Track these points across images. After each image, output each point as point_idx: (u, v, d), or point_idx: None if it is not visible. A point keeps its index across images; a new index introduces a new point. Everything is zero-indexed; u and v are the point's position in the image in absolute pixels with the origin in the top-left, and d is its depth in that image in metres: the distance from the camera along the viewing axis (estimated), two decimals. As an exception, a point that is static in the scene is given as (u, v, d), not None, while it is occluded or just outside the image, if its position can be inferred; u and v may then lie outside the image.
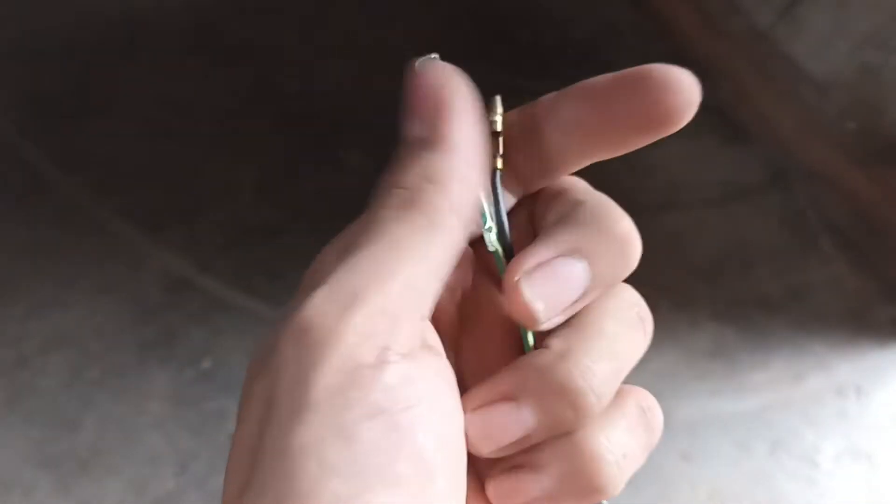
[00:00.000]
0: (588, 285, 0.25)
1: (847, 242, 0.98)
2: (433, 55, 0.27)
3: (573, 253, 0.25)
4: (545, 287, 0.24)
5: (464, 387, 0.27)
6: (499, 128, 0.27)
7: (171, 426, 0.73)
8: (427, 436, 0.22)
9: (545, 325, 0.24)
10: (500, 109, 0.27)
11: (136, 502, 0.70)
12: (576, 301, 0.25)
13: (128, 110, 1.04)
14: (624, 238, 0.25)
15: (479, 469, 0.27)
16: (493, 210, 0.26)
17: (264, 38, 1.15)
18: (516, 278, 0.24)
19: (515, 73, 1.13)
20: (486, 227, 0.25)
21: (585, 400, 0.24)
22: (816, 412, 0.83)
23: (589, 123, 0.26)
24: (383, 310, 0.22)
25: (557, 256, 0.24)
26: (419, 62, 0.26)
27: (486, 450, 0.25)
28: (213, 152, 1.00)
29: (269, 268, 0.87)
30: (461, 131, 0.25)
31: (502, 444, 0.24)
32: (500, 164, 0.27)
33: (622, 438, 0.25)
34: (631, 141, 0.25)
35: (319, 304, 0.22)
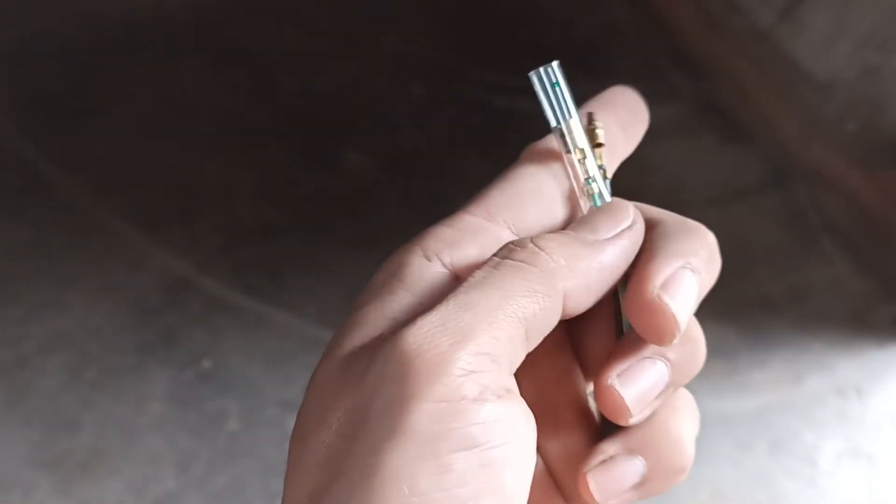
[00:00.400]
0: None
1: (848, 242, 0.98)
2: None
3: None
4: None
5: None
6: (601, 139, 0.30)
7: (171, 427, 0.73)
8: (512, 473, 0.23)
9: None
10: (598, 122, 0.30)
11: (136, 503, 0.70)
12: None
13: (128, 110, 1.04)
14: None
15: (559, 478, 0.29)
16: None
17: (264, 39, 1.16)
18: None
19: (515, 74, 1.13)
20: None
21: (701, 345, 0.29)
22: (817, 412, 0.83)
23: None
24: (489, 352, 0.23)
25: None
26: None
27: (638, 414, 0.27)
28: (213, 153, 1.00)
29: (269, 268, 0.87)
30: (613, 251, 0.27)
31: (650, 401, 0.27)
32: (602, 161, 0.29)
33: (691, 423, 0.29)
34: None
35: (430, 333, 0.23)
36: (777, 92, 1.11)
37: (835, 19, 1.05)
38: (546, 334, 0.25)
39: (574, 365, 0.30)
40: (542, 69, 0.28)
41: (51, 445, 0.72)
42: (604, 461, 0.28)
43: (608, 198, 0.29)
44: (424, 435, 0.22)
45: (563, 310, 0.26)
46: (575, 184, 0.29)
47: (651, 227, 0.28)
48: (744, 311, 0.90)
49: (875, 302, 0.93)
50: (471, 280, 0.25)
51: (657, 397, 0.28)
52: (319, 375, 0.25)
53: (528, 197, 0.28)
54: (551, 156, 0.30)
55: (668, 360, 0.28)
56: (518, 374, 0.28)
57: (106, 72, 1.08)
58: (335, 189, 0.97)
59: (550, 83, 0.29)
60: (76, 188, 0.92)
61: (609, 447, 0.28)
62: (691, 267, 0.27)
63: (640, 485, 0.28)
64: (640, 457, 0.28)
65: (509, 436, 0.23)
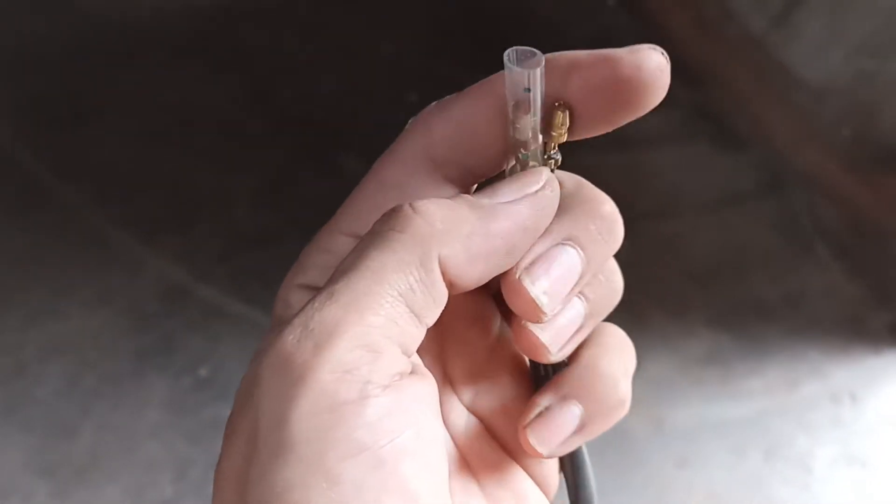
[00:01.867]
0: (583, 270, 0.26)
1: (842, 249, 0.99)
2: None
3: (566, 241, 0.25)
4: (546, 280, 0.25)
5: (450, 384, 0.29)
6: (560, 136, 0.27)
7: (169, 433, 0.73)
8: (411, 465, 0.22)
9: (549, 318, 0.26)
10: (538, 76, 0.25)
11: (133, 509, 0.70)
12: (574, 287, 0.26)
13: (126, 117, 1.04)
14: (609, 217, 0.27)
15: (475, 461, 0.28)
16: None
17: (262, 46, 1.16)
18: (517, 276, 0.25)
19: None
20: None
21: (619, 227, 0.27)
22: (811, 418, 0.83)
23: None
24: (364, 343, 0.22)
25: (552, 246, 0.25)
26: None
27: (553, 309, 0.25)
28: (211, 159, 1.00)
29: (266, 275, 0.87)
30: (510, 210, 0.24)
31: (565, 294, 0.26)
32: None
33: (619, 359, 0.28)
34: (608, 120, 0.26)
35: (296, 340, 0.21)
36: (771, 98, 1.11)
37: (828, 26, 1.06)
38: (443, 305, 0.24)
39: (503, 324, 0.29)
40: (528, 72, 0.25)
41: (49, 452, 0.72)
42: (540, 413, 0.27)
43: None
44: (308, 449, 0.21)
45: (449, 282, 0.23)
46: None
47: None
48: (738, 318, 0.91)
49: (869, 308, 0.93)
50: (340, 266, 0.23)
51: (577, 332, 0.26)
52: (235, 397, 0.24)
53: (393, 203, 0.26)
54: (419, 150, 0.27)
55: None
56: (444, 341, 0.28)
57: (104, 78, 1.08)
58: (333, 196, 0.96)
59: (527, 85, 0.26)
60: (74, 195, 0.93)
61: (543, 399, 0.27)
62: (572, 242, 0.25)
63: (582, 428, 0.27)
64: (575, 402, 0.27)
65: (400, 427, 0.22)
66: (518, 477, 0.29)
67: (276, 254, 0.90)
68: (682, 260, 0.96)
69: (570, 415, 0.27)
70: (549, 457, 0.28)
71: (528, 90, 0.25)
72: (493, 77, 0.26)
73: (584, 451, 0.30)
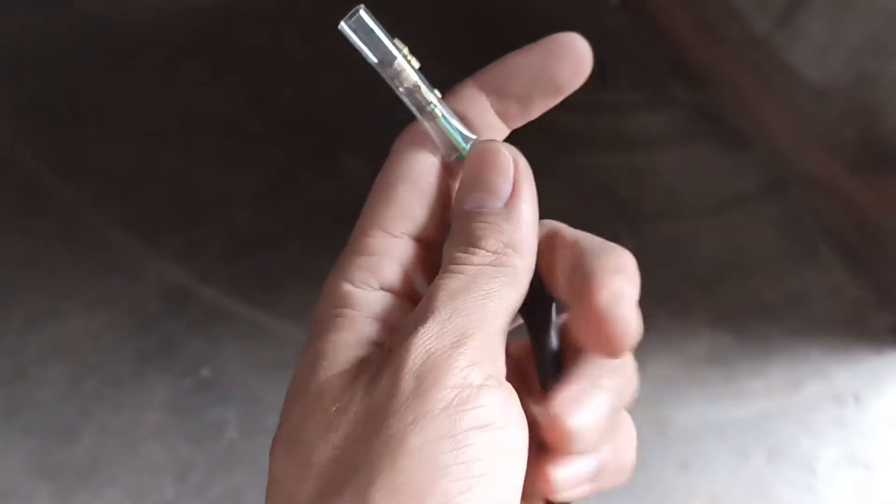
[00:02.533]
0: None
1: (845, 250, 0.99)
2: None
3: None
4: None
5: None
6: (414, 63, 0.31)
7: (170, 435, 0.73)
8: (516, 456, 0.26)
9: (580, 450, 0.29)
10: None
11: (134, 512, 0.70)
12: (603, 426, 0.29)
13: (126, 118, 1.04)
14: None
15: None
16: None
17: (263, 47, 1.16)
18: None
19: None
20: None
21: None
22: (814, 419, 0.83)
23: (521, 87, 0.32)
24: (485, 346, 0.27)
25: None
26: (480, 143, 0.30)
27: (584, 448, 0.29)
28: (211, 160, 1.00)
29: (267, 277, 0.87)
30: (530, 206, 0.29)
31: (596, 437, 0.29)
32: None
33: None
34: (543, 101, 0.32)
35: (432, 339, 0.26)
36: (774, 99, 1.11)
37: (831, 27, 1.06)
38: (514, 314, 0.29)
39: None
40: (352, 20, 0.30)
41: (50, 454, 0.72)
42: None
43: (460, 126, 0.31)
44: (442, 417, 0.25)
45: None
46: (437, 139, 0.31)
47: (570, 244, 0.30)
48: (741, 319, 0.91)
49: (872, 309, 0.93)
50: (446, 289, 0.27)
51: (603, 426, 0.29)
52: (315, 388, 0.27)
53: (416, 200, 0.30)
54: (411, 147, 0.31)
55: (611, 391, 0.29)
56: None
57: (104, 79, 1.08)
58: (333, 197, 0.97)
59: (366, 31, 0.31)
60: (74, 196, 0.93)
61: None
62: (629, 281, 0.28)
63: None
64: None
65: (512, 419, 0.26)
66: None
67: (276, 255, 0.90)
68: (685, 261, 0.96)
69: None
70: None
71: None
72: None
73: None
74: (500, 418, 0.26)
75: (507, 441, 0.26)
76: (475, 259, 0.28)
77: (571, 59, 0.32)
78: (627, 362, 0.30)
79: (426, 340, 0.26)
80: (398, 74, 0.31)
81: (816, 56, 1.07)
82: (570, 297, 0.30)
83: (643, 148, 1.08)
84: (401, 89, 0.31)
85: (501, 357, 0.27)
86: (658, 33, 1.24)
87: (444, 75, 1.16)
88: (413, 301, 0.30)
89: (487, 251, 0.28)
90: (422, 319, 0.26)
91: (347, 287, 0.30)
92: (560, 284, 0.30)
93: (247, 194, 0.97)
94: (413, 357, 0.26)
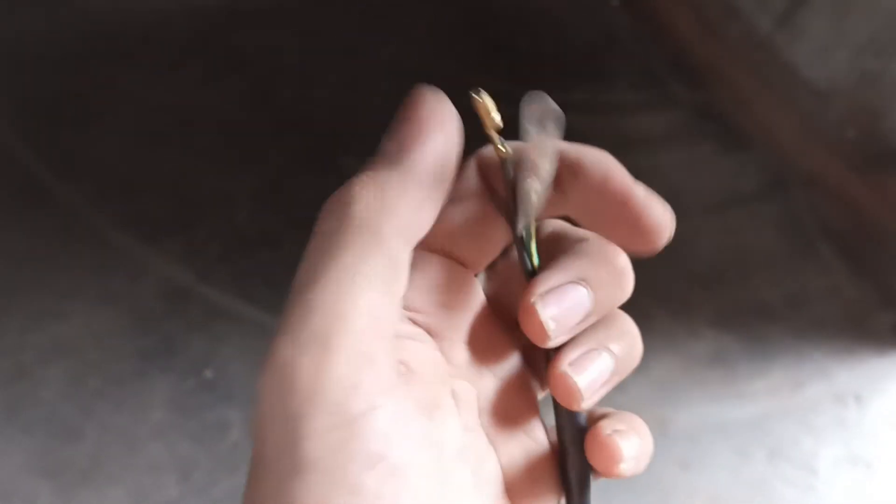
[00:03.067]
0: (591, 308, 0.27)
1: (846, 249, 0.99)
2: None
3: (579, 280, 0.27)
4: (556, 308, 0.26)
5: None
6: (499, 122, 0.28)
7: (173, 435, 0.74)
8: (417, 473, 0.22)
9: (553, 343, 0.26)
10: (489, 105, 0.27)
11: (136, 511, 0.70)
12: (580, 322, 0.27)
13: (127, 118, 1.04)
14: (622, 270, 0.28)
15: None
16: (524, 207, 0.27)
17: (263, 47, 1.16)
18: (532, 300, 0.26)
19: (515, 81, 1.13)
20: (520, 225, 0.27)
21: (629, 281, 0.27)
22: (815, 419, 0.83)
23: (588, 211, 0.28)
24: (359, 352, 0.22)
25: (566, 283, 0.27)
26: (420, 88, 0.26)
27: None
28: (212, 161, 1.00)
29: (268, 276, 0.87)
30: (426, 154, 0.25)
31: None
32: (506, 150, 0.27)
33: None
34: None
35: (292, 353, 0.22)
36: (776, 99, 1.11)
37: (833, 27, 1.06)
38: (405, 276, 0.24)
39: (527, 373, 0.30)
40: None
41: (52, 454, 0.72)
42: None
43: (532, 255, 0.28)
44: (328, 464, 0.21)
45: (434, 244, 0.26)
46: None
47: (567, 244, 0.28)
48: (743, 319, 0.91)
49: (873, 309, 0.93)
50: (304, 269, 0.23)
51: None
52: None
53: (461, 219, 0.27)
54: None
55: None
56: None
57: (106, 80, 1.08)
58: (335, 197, 0.97)
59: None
60: (76, 197, 0.93)
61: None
62: (585, 283, 0.26)
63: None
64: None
65: (408, 434, 0.22)
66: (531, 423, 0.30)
67: (277, 254, 0.90)
68: (687, 261, 0.96)
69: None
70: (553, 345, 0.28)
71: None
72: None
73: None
74: (397, 443, 0.22)
75: (405, 468, 0.22)
76: (338, 224, 0.24)
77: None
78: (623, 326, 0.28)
79: (282, 360, 0.21)
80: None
81: (817, 56, 1.07)
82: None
83: (644, 148, 1.08)
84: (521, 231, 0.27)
85: (387, 350, 0.23)
86: (659, 33, 1.24)
87: (445, 75, 1.17)
88: (425, 323, 0.27)
89: (352, 206, 0.24)
90: (281, 325, 0.22)
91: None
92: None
93: (247, 194, 0.97)
94: (274, 385, 0.22)
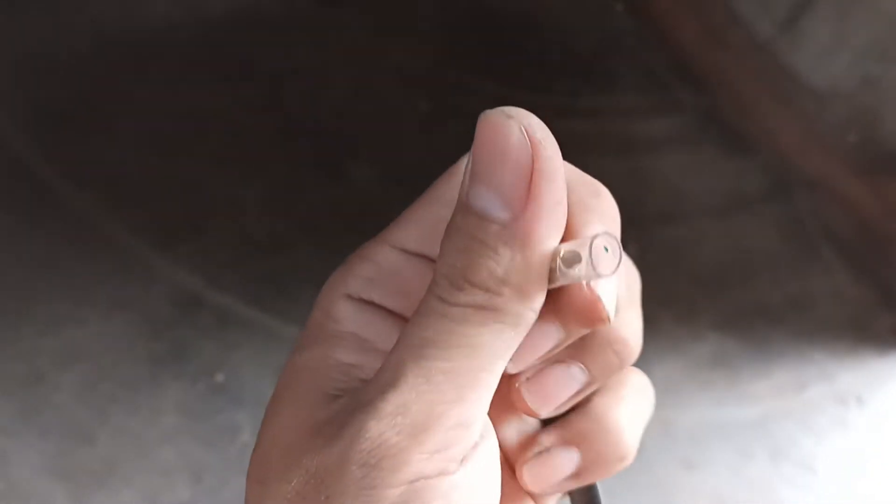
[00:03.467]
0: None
1: (848, 252, 0.99)
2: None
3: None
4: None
5: None
6: None
7: (185, 439, 0.74)
8: None
9: (545, 415, 0.28)
10: None
11: (149, 513, 0.71)
12: (572, 397, 0.28)
13: (138, 125, 1.05)
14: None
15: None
16: None
17: (272, 54, 1.17)
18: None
19: (520, 86, 1.14)
20: None
21: (628, 347, 0.27)
22: (817, 420, 0.84)
23: None
24: (460, 422, 0.22)
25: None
26: (494, 112, 0.22)
27: (544, 412, 0.27)
28: (222, 166, 1.01)
29: (277, 281, 0.88)
30: (548, 221, 0.22)
31: (559, 402, 0.27)
32: None
33: (633, 409, 0.29)
34: None
35: (392, 422, 0.21)
36: (777, 103, 1.12)
37: (834, 31, 1.06)
38: None
39: None
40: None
41: (66, 457, 0.73)
42: (539, 453, 0.28)
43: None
44: None
45: None
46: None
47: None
48: (744, 321, 0.91)
49: (876, 311, 0.94)
50: (415, 343, 0.22)
51: (573, 397, 0.27)
52: (284, 420, 0.25)
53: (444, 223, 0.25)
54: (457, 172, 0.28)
55: (582, 365, 0.27)
56: None
57: (117, 87, 1.09)
58: (342, 202, 0.98)
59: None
60: (89, 204, 0.94)
61: (545, 438, 0.29)
62: (609, 235, 0.23)
63: (578, 474, 0.28)
64: (575, 449, 0.28)
65: (472, 494, 0.23)
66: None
67: (287, 259, 0.91)
68: (689, 264, 0.96)
69: (567, 460, 0.28)
70: (543, 495, 0.29)
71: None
72: None
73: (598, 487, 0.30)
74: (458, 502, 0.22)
75: None
76: (460, 297, 0.22)
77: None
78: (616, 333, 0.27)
79: (382, 421, 0.22)
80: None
81: (819, 60, 1.07)
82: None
83: (648, 151, 1.09)
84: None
85: (483, 414, 0.23)
86: (663, 39, 1.25)
87: (453, 80, 1.17)
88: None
89: (476, 288, 0.22)
90: (384, 388, 0.22)
91: (336, 296, 0.27)
92: None
93: (257, 200, 0.98)
94: (362, 444, 0.22)
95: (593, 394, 0.29)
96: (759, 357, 0.89)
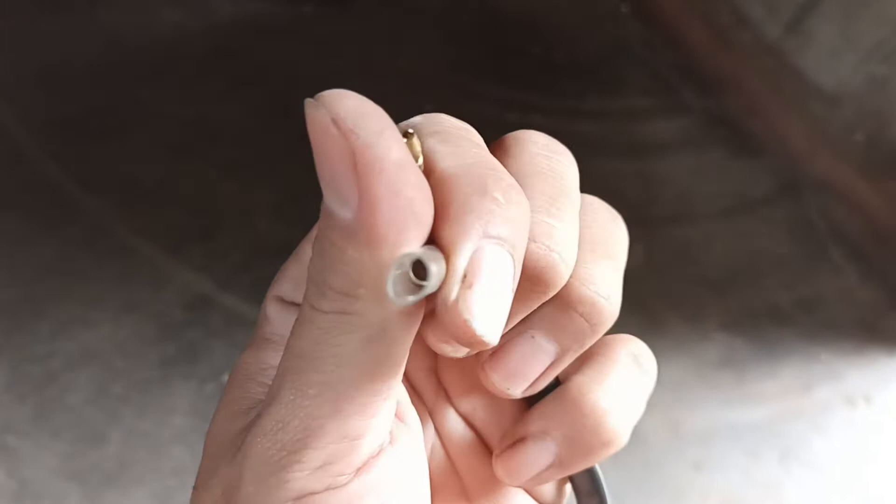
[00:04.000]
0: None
1: (856, 253, 0.99)
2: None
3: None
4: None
5: (445, 394, 0.28)
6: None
7: (195, 439, 0.75)
8: None
9: (514, 394, 0.24)
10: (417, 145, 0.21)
11: (160, 513, 0.71)
12: (545, 372, 0.24)
13: (150, 132, 1.06)
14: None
15: (467, 482, 0.27)
16: None
17: (279, 60, 1.18)
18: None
19: (527, 90, 1.14)
20: None
21: (595, 308, 0.23)
22: (826, 421, 0.84)
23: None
24: (343, 435, 0.21)
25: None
26: (308, 103, 0.19)
27: (516, 390, 0.24)
28: (232, 172, 1.02)
29: (287, 284, 0.88)
30: (389, 217, 0.18)
31: (530, 379, 0.24)
32: None
33: (619, 387, 0.25)
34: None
35: (272, 439, 0.21)
36: (785, 104, 1.12)
37: (841, 32, 1.06)
38: (409, 347, 0.21)
39: None
40: None
41: (79, 458, 0.73)
42: (513, 444, 0.25)
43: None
44: None
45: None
46: None
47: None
48: (753, 322, 0.91)
49: (884, 311, 0.94)
50: (294, 348, 0.21)
51: (546, 371, 0.24)
52: (216, 426, 0.24)
53: None
54: None
55: (546, 334, 0.23)
56: (436, 362, 0.27)
57: (129, 95, 1.10)
58: (351, 206, 0.98)
59: None
60: (102, 209, 0.95)
61: (520, 428, 0.26)
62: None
63: (557, 465, 0.25)
64: (551, 439, 0.25)
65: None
66: (512, 492, 0.27)
67: (296, 263, 0.91)
68: (697, 265, 0.96)
69: (544, 451, 0.25)
70: (521, 487, 0.26)
71: None
72: None
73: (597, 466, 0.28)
74: None
75: None
76: (323, 303, 0.20)
77: None
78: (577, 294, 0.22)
79: (265, 441, 0.21)
80: None
81: (826, 61, 1.07)
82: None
83: (655, 153, 1.09)
84: None
85: (376, 421, 0.21)
86: (670, 40, 1.25)
87: (459, 84, 1.18)
88: None
89: (336, 292, 0.19)
90: (268, 403, 0.21)
91: (267, 302, 0.26)
92: None
93: (266, 204, 0.99)
94: (251, 460, 0.21)
95: (573, 371, 0.25)
96: (767, 357, 0.89)
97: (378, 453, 0.22)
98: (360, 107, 0.19)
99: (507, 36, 1.26)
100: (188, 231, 0.93)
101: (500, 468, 0.26)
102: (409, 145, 0.21)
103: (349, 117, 0.19)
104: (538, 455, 0.25)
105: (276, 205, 0.99)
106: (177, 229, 0.94)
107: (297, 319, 0.21)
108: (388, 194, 0.18)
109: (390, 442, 0.22)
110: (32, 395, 0.77)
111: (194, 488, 0.24)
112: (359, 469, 0.21)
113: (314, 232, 0.23)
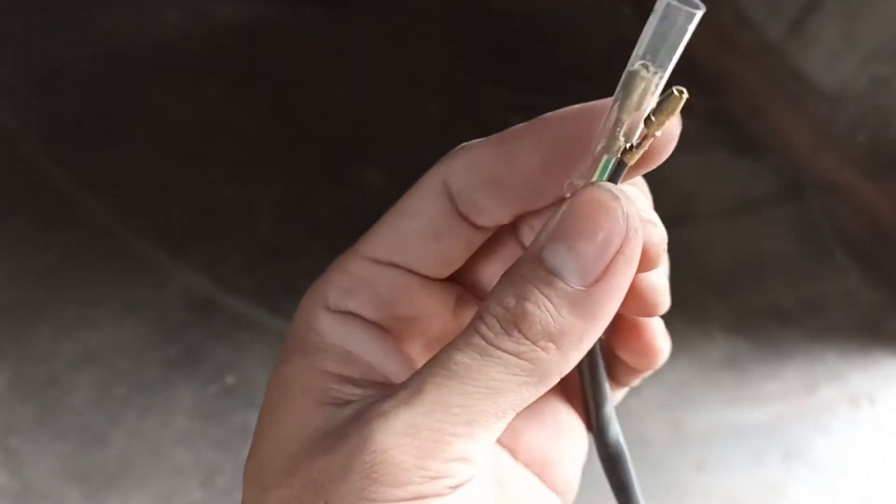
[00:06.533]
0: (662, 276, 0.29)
1: (860, 253, 0.99)
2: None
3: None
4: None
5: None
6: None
7: (197, 440, 0.75)
8: None
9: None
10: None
11: (162, 515, 0.71)
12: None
13: (152, 134, 1.06)
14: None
15: None
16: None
17: (280, 62, 1.18)
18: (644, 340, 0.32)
19: (530, 90, 1.14)
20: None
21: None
22: (829, 422, 0.83)
23: None
24: (464, 456, 0.22)
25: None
26: (601, 188, 0.22)
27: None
28: (233, 173, 1.02)
29: (288, 285, 0.88)
30: (615, 302, 0.22)
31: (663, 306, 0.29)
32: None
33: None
34: None
35: (401, 438, 0.21)
36: (788, 105, 1.12)
37: (843, 32, 1.06)
38: None
39: None
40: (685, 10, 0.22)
41: (81, 459, 0.73)
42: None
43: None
44: None
45: None
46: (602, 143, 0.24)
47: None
48: (756, 323, 0.91)
49: (887, 312, 0.94)
50: (448, 365, 0.22)
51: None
52: (287, 427, 0.25)
53: (415, 234, 0.26)
54: (440, 185, 0.26)
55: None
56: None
57: (130, 97, 1.10)
58: (353, 207, 0.98)
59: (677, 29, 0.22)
60: (103, 210, 0.95)
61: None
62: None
63: None
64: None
65: None
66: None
67: (297, 264, 0.92)
68: (700, 266, 0.96)
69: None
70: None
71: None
72: (517, 128, 0.26)
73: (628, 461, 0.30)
74: None
75: None
76: (506, 343, 0.21)
77: None
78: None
79: (391, 437, 0.21)
80: (639, 88, 0.23)
81: (829, 61, 1.07)
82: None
83: (658, 155, 1.09)
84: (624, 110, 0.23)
85: (485, 451, 0.22)
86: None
87: (462, 84, 1.17)
88: (388, 332, 0.26)
89: (525, 337, 0.21)
90: (399, 403, 0.22)
91: (315, 308, 0.27)
92: None
93: (268, 205, 0.99)
94: (367, 455, 0.21)
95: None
96: (770, 358, 0.88)
97: (471, 478, 0.23)
98: (638, 212, 0.23)
99: (510, 37, 1.26)
100: (190, 232, 0.93)
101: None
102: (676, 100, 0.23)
103: (636, 219, 0.22)
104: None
105: (277, 205, 0.99)
106: (178, 231, 0.94)
107: (461, 338, 0.22)
108: (625, 285, 0.22)
109: (472, 474, 0.23)
110: (35, 396, 0.77)
111: (258, 486, 0.24)
112: (457, 486, 0.22)
113: (361, 246, 0.26)
